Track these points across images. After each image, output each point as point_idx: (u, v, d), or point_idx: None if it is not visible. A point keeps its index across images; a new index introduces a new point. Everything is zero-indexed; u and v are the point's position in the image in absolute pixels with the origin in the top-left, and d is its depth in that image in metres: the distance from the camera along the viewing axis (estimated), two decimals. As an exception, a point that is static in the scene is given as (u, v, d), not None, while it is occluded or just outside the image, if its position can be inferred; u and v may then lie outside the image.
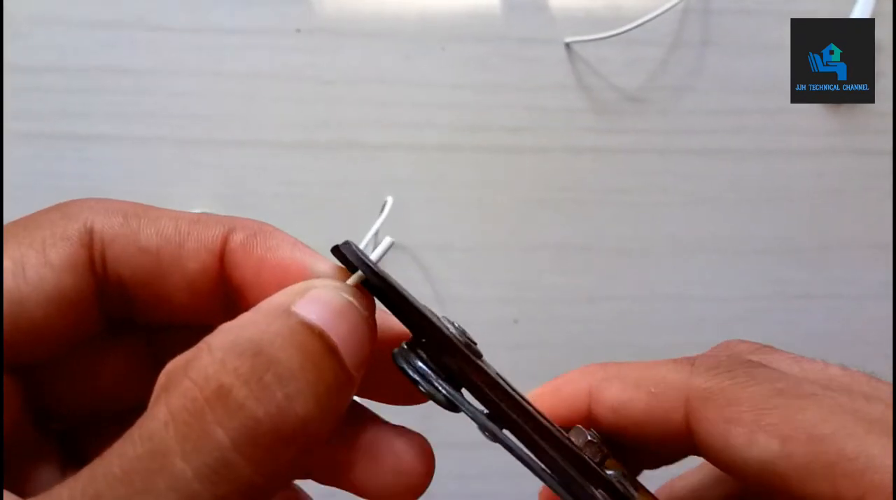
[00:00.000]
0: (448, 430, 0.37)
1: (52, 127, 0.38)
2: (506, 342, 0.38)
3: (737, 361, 0.19)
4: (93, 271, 0.19)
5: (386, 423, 0.20)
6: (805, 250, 0.40)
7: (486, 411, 0.18)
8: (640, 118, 0.39)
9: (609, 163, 0.39)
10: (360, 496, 0.20)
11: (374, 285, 0.17)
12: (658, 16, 0.38)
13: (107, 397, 0.20)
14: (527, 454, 0.18)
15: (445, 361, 0.18)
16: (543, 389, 0.23)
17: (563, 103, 0.39)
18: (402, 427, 0.20)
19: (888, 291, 0.40)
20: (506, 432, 0.18)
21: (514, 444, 0.18)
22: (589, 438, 0.20)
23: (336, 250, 0.18)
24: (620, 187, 0.39)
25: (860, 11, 0.38)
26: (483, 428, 0.18)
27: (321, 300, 0.17)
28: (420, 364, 0.18)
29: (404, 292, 0.17)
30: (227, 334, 0.16)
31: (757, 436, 0.17)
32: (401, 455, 0.19)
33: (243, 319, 0.16)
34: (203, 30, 0.38)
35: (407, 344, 0.18)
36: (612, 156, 0.39)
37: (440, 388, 0.17)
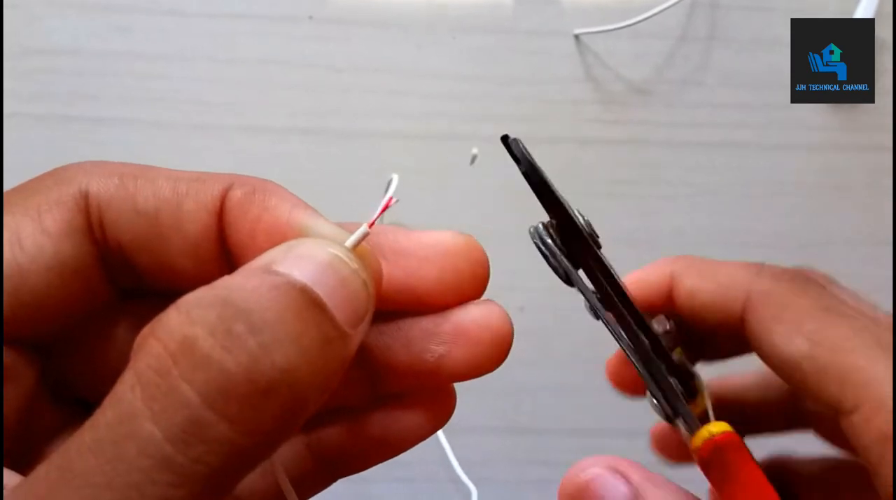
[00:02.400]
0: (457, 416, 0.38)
1: (66, 110, 0.38)
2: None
3: (799, 274, 0.21)
4: (92, 236, 0.18)
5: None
6: (808, 245, 0.40)
7: (594, 290, 0.21)
8: (647, 110, 0.40)
9: (615, 154, 0.40)
10: (452, 378, 0.19)
11: (528, 175, 0.20)
12: (666, 9, 0.38)
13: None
14: (619, 332, 0.21)
15: (572, 244, 0.21)
16: (636, 274, 0.25)
17: (571, 95, 0.40)
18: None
19: (888, 286, 0.40)
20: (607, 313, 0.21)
21: (611, 322, 0.21)
22: (668, 327, 0.22)
23: (504, 140, 0.19)
24: (626, 179, 0.39)
25: (863, 11, 0.39)
26: (589, 305, 0.21)
27: (305, 256, 0.16)
28: (550, 242, 0.20)
29: (550, 183, 0.21)
30: (198, 292, 0.15)
31: (794, 337, 0.20)
32: (487, 321, 0.19)
33: (220, 280, 0.15)
34: (217, 15, 0.38)
35: (542, 224, 0.21)
36: (619, 147, 0.40)
37: (562, 262, 0.20)
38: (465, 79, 0.39)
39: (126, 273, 0.18)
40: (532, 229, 0.21)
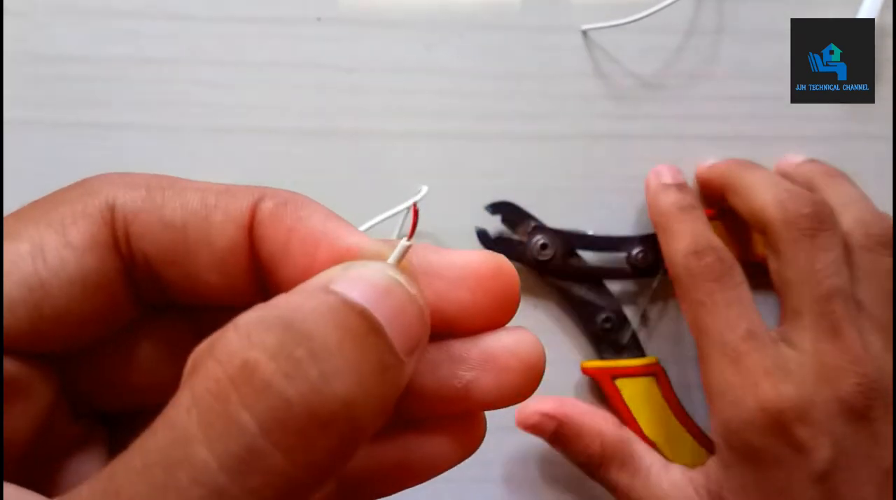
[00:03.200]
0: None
1: (76, 116, 0.38)
2: (526, 325, 0.39)
3: None
4: (117, 250, 0.17)
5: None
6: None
7: None
8: (657, 104, 0.40)
9: (626, 149, 0.40)
10: (481, 406, 0.18)
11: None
12: (674, 2, 0.38)
13: (152, 386, 0.19)
14: None
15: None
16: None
17: (579, 90, 0.40)
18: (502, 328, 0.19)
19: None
20: None
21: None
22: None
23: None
24: (638, 174, 0.39)
25: (867, 11, 0.39)
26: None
27: (363, 278, 0.16)
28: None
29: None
30: (256, 311, 0.15)
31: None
32: (517, 348, 0.18)
33: (277, 298, 0.15)
34: (224, 19, 0.39)
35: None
36: (629, 142, 0.40)
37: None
38: (474, 76, 0.39)
39: (152, 287, 0.18)
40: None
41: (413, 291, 0.16)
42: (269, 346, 0.14)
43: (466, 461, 0.20)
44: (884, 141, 0.40)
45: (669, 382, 0.38)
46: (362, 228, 0.37)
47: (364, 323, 0.15)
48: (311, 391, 0.13)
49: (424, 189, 0.36)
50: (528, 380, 0.18)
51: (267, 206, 0.18)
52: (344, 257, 0.17)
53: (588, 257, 0.38)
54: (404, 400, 0.18)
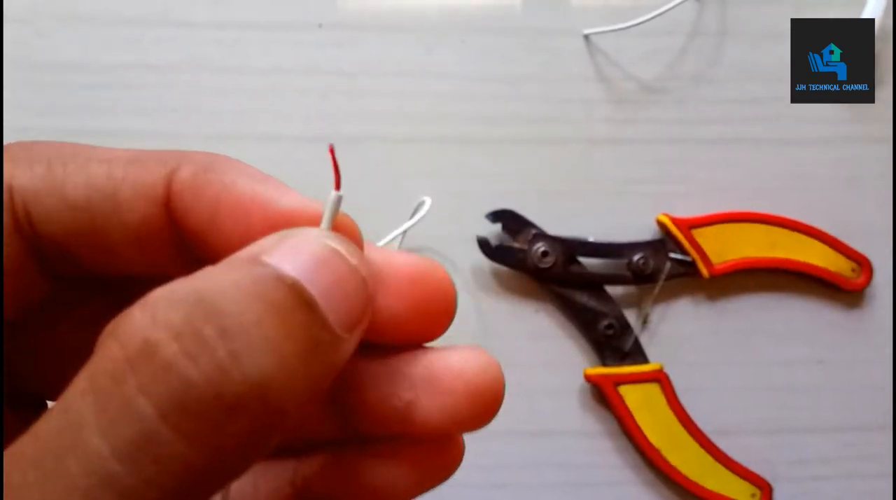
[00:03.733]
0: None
1: (78, 123, 0.38)
2: (528, 331, 0.39)
3: None
4: (20, 233, 0.16)
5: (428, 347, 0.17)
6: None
7: None
8: (659, 108, 0.40)
9: (628, 153, 0.39)
10: (419, 435, 0.16)
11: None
12: (675, 6, 0.38)
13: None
14: None
15: None
16: None
17: (581, 94, 0.39)
18: (453, 346, 0.17)
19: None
20: None
21: None
22: None
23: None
24: (639, 178, 0.39)
25: (871, 11, 0.39)
26: None
27: (298, 248, 0.14)
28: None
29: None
30: (170, 286, 0.13)
31: None
32: (462, 369, 0.16)
33: (200, 272, 0.14)
34: (225, 25, 0.39)
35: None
36: (631, 146, 0.39)
37: None
38: (475, 80, 0.39)
39: (66, 263, 0.16)
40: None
41: (354, 260, 0.15)
42: (173, 323, 0.12)
43: (474, 466, 0.19)
44: (886, 143, 0.40)
45: (673, 388, 0.38)
46: (380, 244, 0.37)
47: (293, 297, 0.13)
48: (217, 372, 0.12)
49: (428, 201, 0.36)
50: (478, 406, 0.16)
51: (183, 176, 0.16)
52: (279, 222, 0.16)
53: (589, 263, 0.38)
54: (351, 414, 0.17)
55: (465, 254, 0.38)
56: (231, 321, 0.13)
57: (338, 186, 0.16)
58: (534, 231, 0.38)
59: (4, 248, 0.16)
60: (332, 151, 0.16)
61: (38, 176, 0.16)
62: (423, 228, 0.37)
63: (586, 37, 0.39)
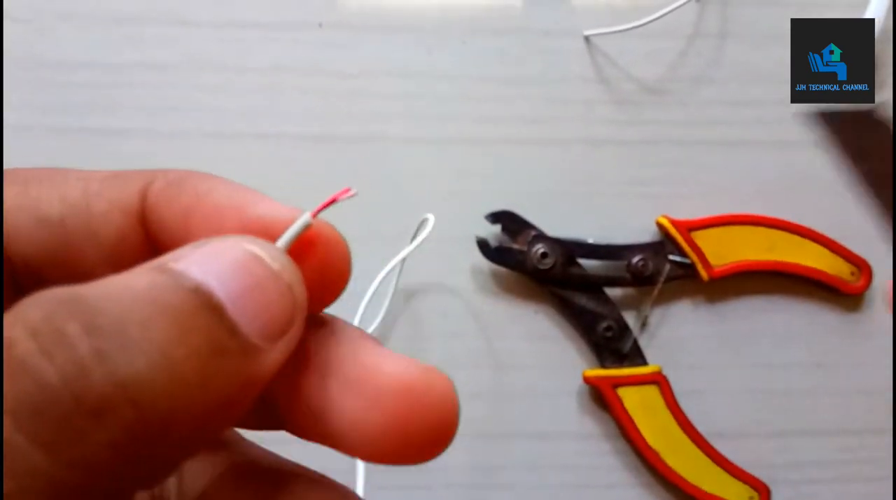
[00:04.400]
0: (477, 422, 0.38)
1: (80, 121, 0.38)
2: (527, 333, 0.39)
3: None
4: None
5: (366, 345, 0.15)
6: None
7: None
8: (660, 110, 0.40)
9: (629, 155, 0.39)
10: (342, 446, 0.15)
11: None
12: (677, 8, 0.38)
13: None
14: None
15: None
16: None
17: (582, 95, 0.39)
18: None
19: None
20: None
21: None
22: None
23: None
24: (640, 179, 0.39)
25: (873, 12, 0.38)
26: None
27: (212, 252, 0.13)
28: None
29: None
30: (60, 288, 0.12)
31: None
32: (400, 373, 0.14)
33: (103, 278, 0.13)
34: (227, 24, 0.39)
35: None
36: (632, 147, 0.39)
37: None
38: (476, 81, 0.39)
39: (40, 288, 0.15)
40: None
41: (277, 265, 0.14)
42: (31, 319, 0.11)
43: (474, 467, 0.19)
44: (890, 147, 0.40)
45: (672, 390, 0.38)
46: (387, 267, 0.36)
47: (193, 301, 0.12)
48: (76, 371, 0.11)
49: (431, 219, 0.35)
50: (416, 421, 0.14)
51: (158, 186, 0.16)
52: (254, 230, 0.15)
53: (589, 265, 0.38)
54: (276, 409, 0.16)
55: (465, 255, 0.38)
56: (104, 320, 0.11)
57: (315, 215, 0.15)
58: (533, 232, 0.38)
59: None
60: (341, 195, 0.16)
61: (12, 194, 0.15)
62: (422, 229, 0.37)
63: (587, 38, 0.39)
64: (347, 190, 0.16)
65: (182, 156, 0.38)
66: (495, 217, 0.38)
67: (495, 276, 0.39)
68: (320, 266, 0.15)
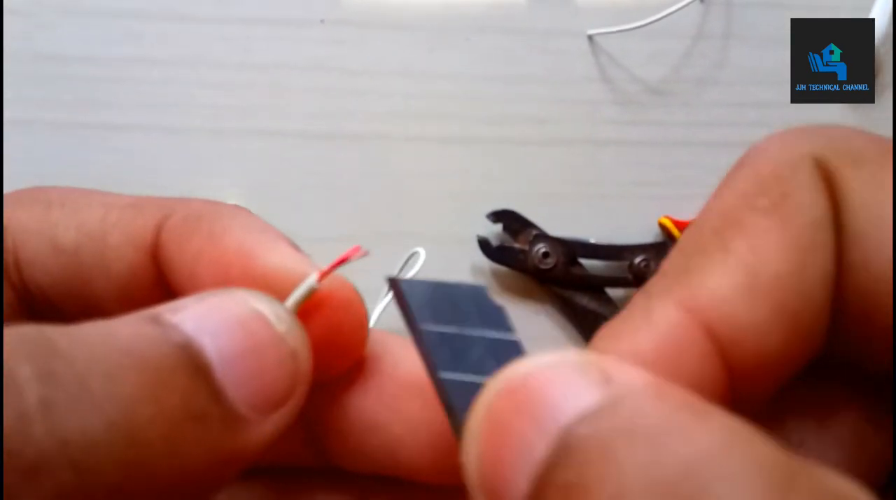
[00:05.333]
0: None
1: (80, 117, 0.38)
2: (528, 333, 0.38)
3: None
4: (9, 280, 0.15)
5: None
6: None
7: None
8: (663, 110, 0.40)
9: (632, 155, 0.39)
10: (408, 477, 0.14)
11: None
12: (681, 8, 0.38)
13: None
14: None
15: None
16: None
17: (586, 95, 0.39)
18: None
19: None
20: None
21: None
22: None
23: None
24: (644, 180, 0.39)
25: (877, 13, 0.38)
26: None
27: (212, 307, 0.12)
28: None
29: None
30: (33, 329, 0.11)
31: None
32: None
33: (94, 322, 0.12)
34: (228, 20, 0.38)
35: None
36: (636, 148, 0.39)
37: None
38: (479, 80, 0.39)
39: (52, 316, 0.15)
40: None
41: (282, 327, 0.13)
42: None
43: None
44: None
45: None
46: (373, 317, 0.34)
47: (178, 358, 0.11)
48: (18, 423, 0.10)
49: (422, 253, 0.34)
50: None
51: (173, 222, 0.15)
52: (257, 281, 0.14)
53: (590, 265, 0.38)
54: (325, 443, 0.15)
55: (466, 254, 0.38)
56: (65, 368, 0.10)
57: (321, 278, 0.14)
58: (535, 232, 0.37)
59: None
60: (343, 260, 0.14)
61: (33, 217, 0.15)
62: (423, 228, 0.37)
63: (591, 38, 0.39)
64: (357, 249, 0.14)
65: (182, 152, 0.38)
66: (497, 216, 0.37)
67: (496, 275, 0.38)
68: (330, 327, 0.14)
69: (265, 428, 0.12)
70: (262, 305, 0.13)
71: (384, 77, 0.39)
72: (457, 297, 0.13)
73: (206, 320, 0.12)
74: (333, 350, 0.14)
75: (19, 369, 0.10)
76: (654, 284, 0.13)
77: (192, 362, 0.11)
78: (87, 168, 0.38)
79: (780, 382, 0.13)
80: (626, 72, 0.39)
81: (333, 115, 0.39)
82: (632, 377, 0.11)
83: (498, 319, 0.14)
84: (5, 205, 0.15)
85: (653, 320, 0.13)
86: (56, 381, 0.10)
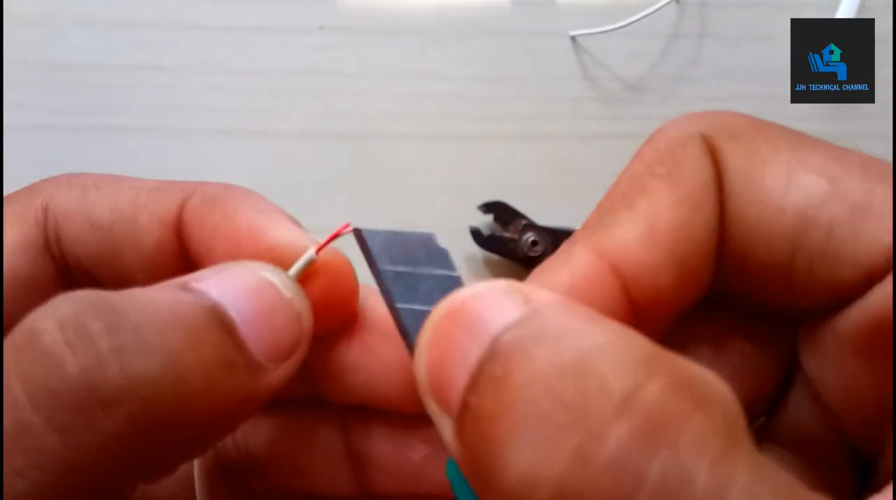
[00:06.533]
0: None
1: (92, 121, 0.40)
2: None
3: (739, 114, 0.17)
4: (49, 251, 0.17)
5: None
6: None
7: None
8: (643, 106, 0.42)
9: (613, 149, 0.41)
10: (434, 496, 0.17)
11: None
12: (658, 9, 0.40)
13: None
14: None
15: None
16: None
17: (569, 93, 0.42)
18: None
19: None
20: None
21: None
22: None
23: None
24: (624, 171, 0.41)
25: (844, 11, 0.40)
26: None
27: (231, 277, 0.15)
28: None
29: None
30: (94, 291, 0.13)
31: (798, 176, 0.15)
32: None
33: (129, 289, 0.14)
34: (233, 28, 0.41)
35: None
36: (617, 142, 0.41)
37: None
38: (468, 80, 0.41)
39: (88, 286, 0.16)
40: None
41: (289, 293, 0.15)
42: (61, 314, 0.12)
43: None
44: (865, 138, 0.42)
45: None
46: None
47: (209, 317, 0.14)
48: (95, 364, 0.12)
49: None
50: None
51: (193, 203, 0.17)
52: (266, 255, 0.16)
53: (577, 251, 0.40)
54: (365, 470, 0.17)
55: (459, 243, 0.40)
56: (126, 322, 0.12)
57: (318, 251, 0.16)
58: (524, 222, 0.40)
59: (31, 264, 0.16)
60: (342, 232, 0.17)
61: (73, 198, 0.17)
62: (418, 219, 0.40)
63: (573, 38, 0.42)
64: (348, 225, 0.17)
65: (189, 153, 0.40)
66: (488, 207, 0.40)
67: (488, 263, 0.41)
68: (326, 291, 0.16)
69: (278, 374, 0.15)
70: (271, 275, 0.15)
71: (379, 79, 0.41)
72: (409, 243, 0.16)
73: (227, 287, 0.14)
74: (329, 310, 0.17)
75: (91, 323, 0.12)
76: (576, 235, 0.17)
77: (221, 321, 0.14)
78: (100, 169, 0.39)
79: (676, 313, 0.16)
80: (606, 70, 0.42)
81: (331, 115, 0.41)
82: (545, 297, 0.13)
83: (443, 260, 0.17)
84: (44, 188, 0.17)
85: (571, 261, 0.16)
86: (121, 333, 0.12)
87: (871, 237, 0.14)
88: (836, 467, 0.17)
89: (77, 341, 0.12)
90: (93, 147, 0.40)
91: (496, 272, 0.41)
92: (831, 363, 0.15)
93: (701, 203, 0.15)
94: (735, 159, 0.15)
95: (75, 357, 0.12)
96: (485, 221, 0.40)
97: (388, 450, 0.18)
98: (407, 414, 0.17)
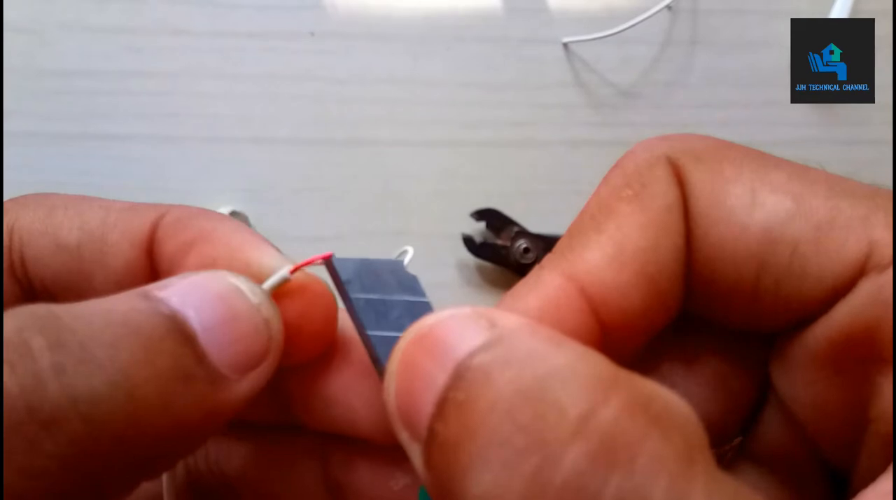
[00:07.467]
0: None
1: (81, 128, 0.40)
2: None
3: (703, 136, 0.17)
4: (13, 275, 0.16)
5: None
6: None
7: None
8: (634, 112, 0.42)
9: (605, 155, 0.41)
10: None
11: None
12: (650, 16, 0.40)
13: None
14: None
15: None
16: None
17: (561, 99, 0.42)
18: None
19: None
20: None
21: None
22: None
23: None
24: (616, 178, 0.41)
25: (838, 11, 0.41)
26: None
27: (194, 283, 0.14)
28: None
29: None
30: (46, 306, 0.13)
31: (763, 195, 0.15)
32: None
33: (91, 300, 0.13)
34: (222, 34, 0.40)
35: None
36: (608, 148, 0.41)
37: None
38: (460, 86, 0.41)
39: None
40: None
41: (256, 300, 0.14)
42: (6, 331, 0.12)
43: None
44: (850, 145, 0.42)
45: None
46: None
47: (166, 327, 0.13)
48: (34, 383, 0.11)
49: (410, 251, 0.37)
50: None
51: (167, 220, 0.16)
52: (240, 272, 0.15)
53: (569, 258, 0.40)
54: (348, 498, 0.17)
55: (451, 250, 0.40)
56: (71, 337, 0.12)
57: (293, 271, 0.16)
58: (516, 229, 0.40)
59: None
60: (322, 258, 0.16)
61: (38, 218, 0.16)
62: (411, 226, 0.39)
63: (565, 45, 0.42)
64: (330, 255, 0.16)
65: (180, 160, 0.40)
66: (480, 215, 0.40)
67: (480, 270, 0.41)
68: (303, 313, 0.16)
69: (243, 386, 0.14)
70: (238, 281, 0.15)
71: (371, 85, 0.41)
72: (379, 270, 0.16)
73: (189, 294, 0.14)
74: (307, 333, 0.16)
75: (33, 339, 0.12)
76: (546, 258, 0.16)
77: (179, 331, 0.13)
78: (90, 176, 0.40)
79: (647, 334, 0.16)
80: (598, 77, 0.42)
81: (323, 121, 0.41)
82: (511, 321, 0.13)
83: (413, 286, 0.17)
84: (10, 209, 0.17)
85: (540, 285, 0.16)
86: (64, 348, 0.12)
87: (835, 254, 0.14)
88: (811, 483, 0.17)
89: (17, 358, 0.11)
90: (82, 154, 0.40)
91: (488, 279, 0.41)
92: (801, 380, 0.16)
93: (668, 225, 0.15)
94: (700, 181, 0.16)
95: (14, 376, 0.11)
96: (477, 229, 0.40)
97: (367, 480, 0.17)
98: (382, 444, 0.17)
